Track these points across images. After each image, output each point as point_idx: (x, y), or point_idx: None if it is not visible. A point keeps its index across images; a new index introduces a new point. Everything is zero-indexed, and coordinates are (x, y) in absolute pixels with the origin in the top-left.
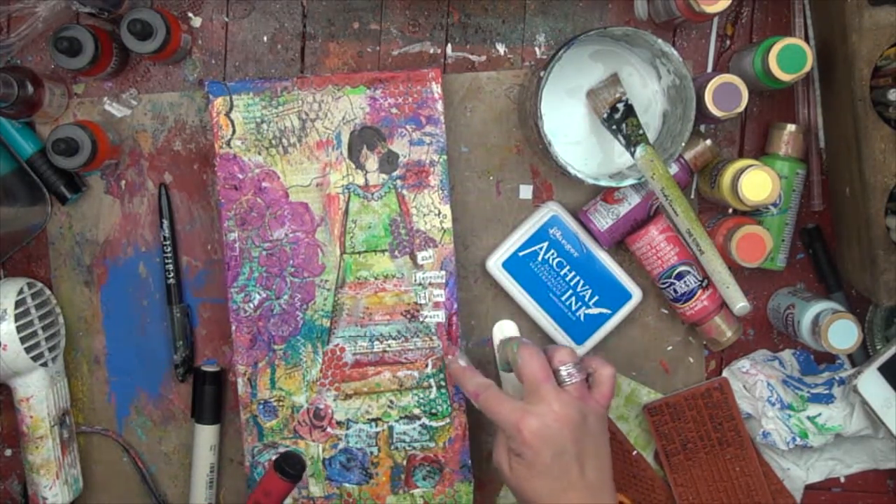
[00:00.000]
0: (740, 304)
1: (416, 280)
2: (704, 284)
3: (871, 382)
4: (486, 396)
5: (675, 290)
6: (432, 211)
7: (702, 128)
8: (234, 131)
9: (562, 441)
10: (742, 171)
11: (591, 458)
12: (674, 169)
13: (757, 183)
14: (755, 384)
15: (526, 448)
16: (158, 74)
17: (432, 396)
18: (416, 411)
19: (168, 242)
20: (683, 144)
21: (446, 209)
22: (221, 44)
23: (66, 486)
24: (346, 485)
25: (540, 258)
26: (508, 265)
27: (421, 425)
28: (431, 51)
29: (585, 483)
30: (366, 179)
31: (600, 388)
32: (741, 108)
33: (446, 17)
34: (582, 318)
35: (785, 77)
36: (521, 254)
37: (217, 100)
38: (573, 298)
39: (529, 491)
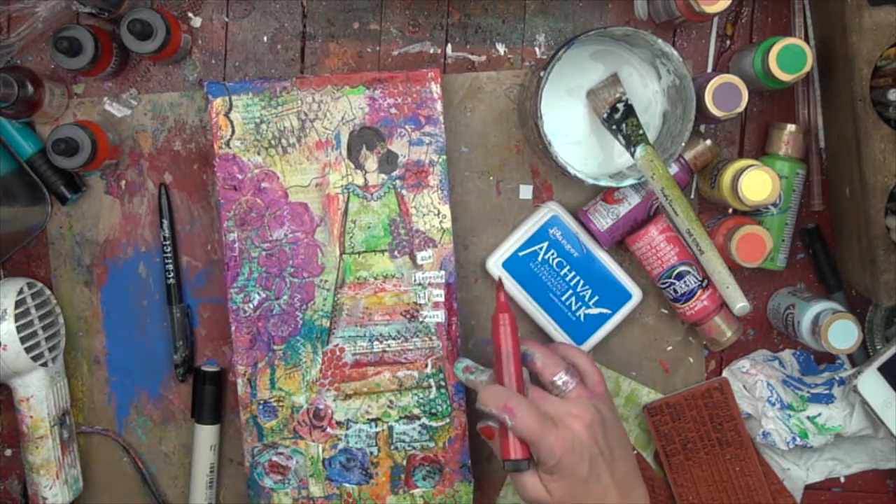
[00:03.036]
0: (740, 304)
1: (415, 280)
2: (704, 284)
3: (871, 382)
4: (520, 415)
5: (675, 290)
6: (432, 211)
7: (702, 128)
8: (233, 131)
9: (590, 446)
10: (742, 171)
11: (617, 450)
12: (674, 169)
13: (757, 183)
14: (755, 384)
15: (561, 466)
16: (158, 74)
17: (432, 396)
18: (416, 411)
19: (168, 242)
20: (683, 144)
21: (446, 209)
22: (221, 44)
23: (66, 486)
24: (346, 485)
25: (540, 258)
26: (508, 265)
27: (421, 425)
28: (431, 51)
29: (617, 480)
30: (365, 179)
31: (590, 377)
32: (741, 108)
33: (446, 17)
34: (582, 318)
35: (785, 77)
36: (521, 254)
37: (216, 100)
38: (573, 298)
39: None
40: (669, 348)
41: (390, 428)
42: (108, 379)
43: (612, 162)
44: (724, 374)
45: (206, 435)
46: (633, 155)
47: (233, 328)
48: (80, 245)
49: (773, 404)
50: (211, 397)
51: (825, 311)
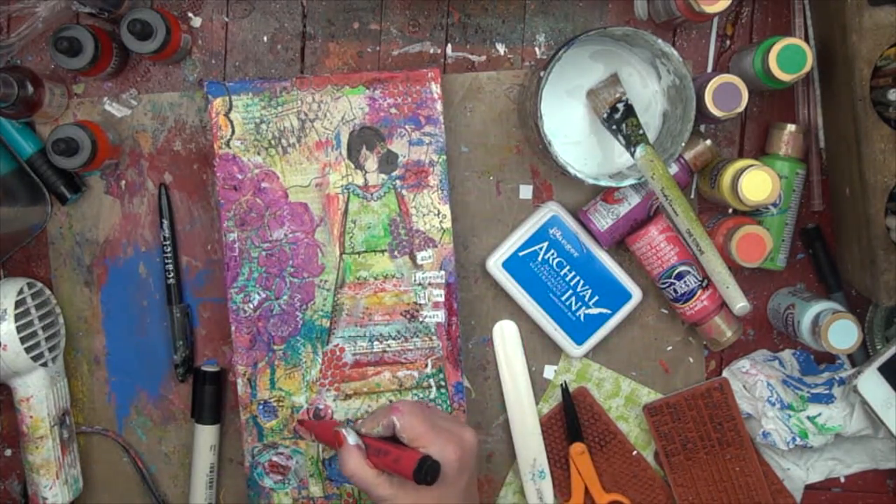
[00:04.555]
0: (740, 304)
1: (415, 280)
2: (704, 284)
3: (871, 382)
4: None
5: (675, 290)
6: (432, 211)
7: (702, 128)
8: (233, 132)
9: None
10: (742, 171)
11: None
12: (674, 169)
13: (757, 183)
14: (755, 384)
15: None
16: (158, 74)
17: (432, 396)
18: None
19: (168, 242)
20: (683, 144)
21: (446, 209)
22: (221, 44)
23: (66, 486)
24: (346, 485)
25: (540, 258)
26: (508, 265)
27: None
28: (431, 51)
29: None
30: (365, 179)
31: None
32: (741, 108)
33: (446, 17)
34: (582, 318)
35: (785, 77)
36: (521, 254)
37: (216, 100)
38: (573, 298)
39: None
40: (669, 348)
41: None
42: (108, 379)
43: (612, 162)
44: (724, 374)
45: (206, 435)
46: (633, 155)
47: (233, 328)
48: (80, 245)
49: (773, 404)
50: (211, 397)
51: (825, 311)
